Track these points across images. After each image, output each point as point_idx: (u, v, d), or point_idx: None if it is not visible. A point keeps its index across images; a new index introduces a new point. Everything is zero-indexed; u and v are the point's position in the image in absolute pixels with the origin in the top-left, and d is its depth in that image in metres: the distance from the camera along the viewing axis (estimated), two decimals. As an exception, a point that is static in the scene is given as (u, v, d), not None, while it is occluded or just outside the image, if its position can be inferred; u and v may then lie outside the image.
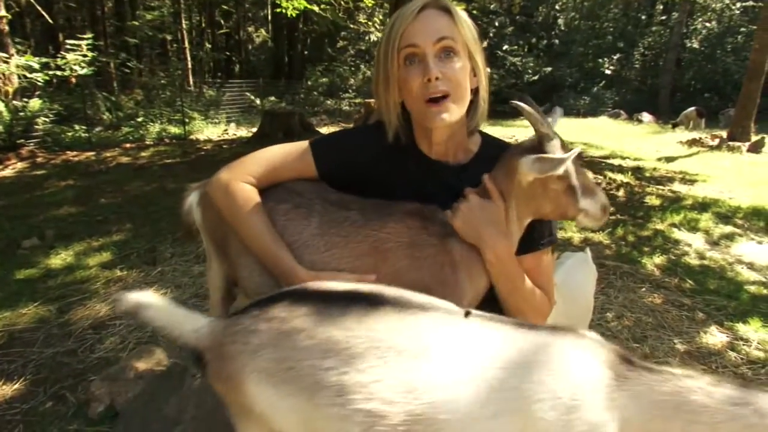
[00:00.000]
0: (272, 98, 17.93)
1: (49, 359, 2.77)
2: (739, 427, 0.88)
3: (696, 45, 26.54)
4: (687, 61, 26.25)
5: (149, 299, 1.08)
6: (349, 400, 0.92)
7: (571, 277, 2.25)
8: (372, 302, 1.00)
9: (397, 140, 1.37)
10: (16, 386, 2.52)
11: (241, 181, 1.35)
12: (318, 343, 0.95)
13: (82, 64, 11.03)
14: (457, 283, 1.27)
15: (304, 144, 1.39)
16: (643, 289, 3.95)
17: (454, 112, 1.26)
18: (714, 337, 3.27)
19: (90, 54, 11.11)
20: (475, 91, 1.37)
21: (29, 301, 3.46)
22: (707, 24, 26.97)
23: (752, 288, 4.07)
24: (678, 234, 5.43)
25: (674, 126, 16.27)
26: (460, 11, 1.30)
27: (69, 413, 2.30)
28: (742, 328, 3.35)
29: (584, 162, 9.89)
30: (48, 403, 2.39)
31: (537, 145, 1.25)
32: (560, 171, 1.20)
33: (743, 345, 3.17)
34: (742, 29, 25.19)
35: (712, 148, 12.20)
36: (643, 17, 29.83)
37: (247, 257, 1.40)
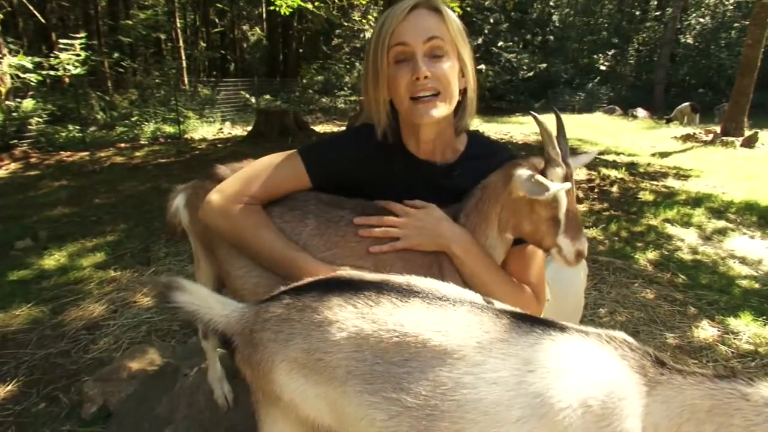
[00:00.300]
0: (267, 97, 17.89)
1: (42, 360, 2.76)
2: None
3: (690, 40, 26.65)
4: (681, 57, 26.35)
5: (182, 283, 1.10)
6: (378, 388, 0.94)
7: (561, 273, 2.26)
8: (402, 294, 1.01)
9: (384, 140, 1.37)
10: (9, 388, 2.51)
11: (237, 203, 1.33)
12: (349, 336, 0.97)
13: (76, 64, 10.98)
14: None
15: (293, 157, 1.38)
16: (636, 285, 3.98)
17: (442, 110, 1.27)
18: (705, 331, 3.30)
19: (83, 53, 11.06)
20: (463, 92, 1.38)
21: (22, 302, 3.45)
22: (701, 19, 27.07)
23: (744, 282, 4.10)
24: (671, 229, 5.46)
25: (668, 121, 16.33)
26: (450, 12, 1.31)
27: (62, 414, 2.30)
28: (733, 322, 3.38)
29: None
30: (41, 404, 2.38)
31: (540, 165, 1.26)
32: (544, 197, 1.19)
33: (734, 339, 3.19)
34: (736, 24, 25.28)
35: (705, 143, 12.27)
36: (638, 13, 29.92)
37: (241, 258, 1.41)
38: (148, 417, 1.77)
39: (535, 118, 1.25)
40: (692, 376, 0.94)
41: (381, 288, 1.02)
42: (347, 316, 0.99)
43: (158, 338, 2.98)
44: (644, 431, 0.93)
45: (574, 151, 8.83)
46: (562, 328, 1.00)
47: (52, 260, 4.30)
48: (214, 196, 1.36)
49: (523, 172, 1.23)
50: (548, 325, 1.00)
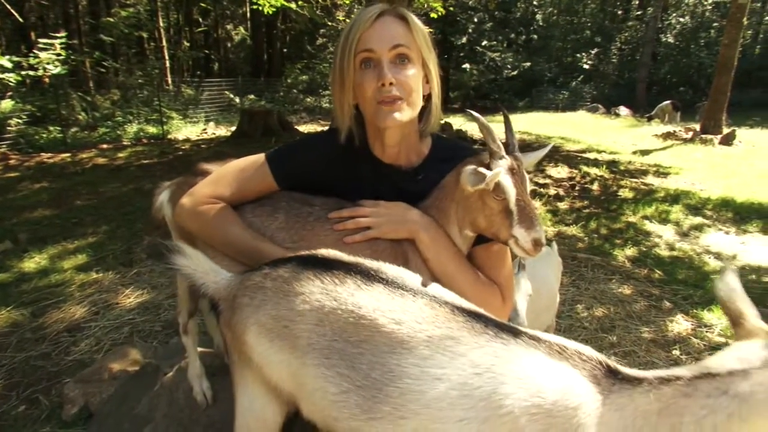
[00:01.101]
0: (252, 97, 17.80)
1: (23, 363, 2.76)
2: (723, 417, 0.87)
3: (671, 39, 27.06)
4: (662, 56, 26.74)
5: (182, 247, 1.21)
6: (334, 363, 1.00)
7: (535, 270, 2.32)
8: (368, 278, 1.06)
9: (350, 144, 1.41)
10: (-11, 391, 2.51)
11: (206, 204, 1.39)
12: (312, 309, 1.04)
13: (56, 63, 10.82)
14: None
15: (260, 161, 1.42)
16: (614, 281, 4.07)
17: (405, 113, 1.31)
18: (679, 325, 3.39)
19: (64, 53, 10.90)
20: (427, 97, 1.42)
21: (1, 306, 3.42)
22: (681, 19, 27.51)
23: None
24: (649, 226, 5.58)
25: (650, 119, 16.56)
26: (416, 20, 1.34)
27: (42, 416, 2.31)
28: (706, 316, 3.48)
29: (560, 157, 9.98)
30: (21, 407, 2.38)
31: (487, 160, 1.30)
32: (483, 186, 1.23)
33: (706, 332, 3.29)
34: (715, 24, 25.76)
35: (685, 140, 12.50)
36: (620, 12, 30.31)
37: (215, 250, 1.45)
38: (128, 417, 1.78)
39: (471, 114, 1.30)
40: (641, 383, 0.94)
41: (350, 269, 1.08)
42: (313, 290, 1.05)
43: (140, 339, 2.99)
44: None
45: (557, 150, 8.89)
46: (516, 333, 1.00)
47: (32, 263, 4.26)
48: (185, 200, 1.42)
49: (467, 168, 1.28)
50: (502, 328, 1.01)
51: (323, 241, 1.36)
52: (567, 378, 0.94)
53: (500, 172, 1.23)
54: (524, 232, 1.24)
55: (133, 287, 3.72)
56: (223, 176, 1.42)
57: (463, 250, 1.39)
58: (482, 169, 1.24)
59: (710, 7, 26.97)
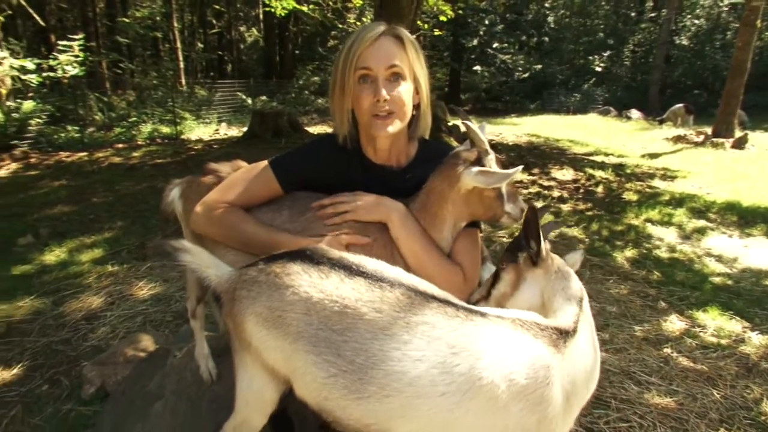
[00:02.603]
0: (263, 98, 18.02)
1: (45, 347, 2.94)
2: None
3: (685, 42, 26.78)
4: (676, 58, 26.49)
5: (187, 245, 1.35)
6: (321, 351, 1.12)
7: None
8: (350, 272, 1.20)
9: (345, 147, 1.59)
10: (15, 371, 2.69)
11: (218, 209, 1.56)
12: (300, 300, 1.17)
13: (74, 65, 11.12)
14: (394, 260, 1.49)
15: (265, 169, 1.59)
16: (611, 281, 4.14)
17: (396, 126, 1.51)
18: (673, 324, 3.46)
19: (82, 54, 11.20)
20: (417, 106, 1.61)
21: (25, 295, 3.62)
22: (696, 21, 27.22)
23: (717, 279, 4.27)
24: (651, 228, 5.63)
25: (661, 122, 16.41)
26: (410, 39, 1.53)
27: (63, 395, 2.48)
28: (701, 317, 3.54)
29: (567, 159, 9.98)
30: (44, 386, 2.56)
31: (475, 158, 1.48)
32: (502, 184, 1.44)
33: (699, 332, 3.35)
34: (732, 26, 25.43)
35: (696, 144, 12.43)
36: (633, 14, 30.09)
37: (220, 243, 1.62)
38: (141, 394, 1.94)
39: (463, 123, 1.49)
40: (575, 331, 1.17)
41: (334, 264, 1.22)
42: (301, 283, 1.18)
43: (152, 327, 3.16)
44: (563, 392, 1.11)
45: (564, 153, 8.95)
46: (483, 314, 1.16)
47: (52, 256, 4.47)
48: (198, 208, 1.59)
49: (471, 170, 1.44)
50: (471, 311, 1.16)
51: (321, 231, 1.52)
52: (531, 347, 1.11)
53: (520, 168, 1.44)
54: (513, 206, 1.50)
55: (146, 280, 3.90)
56: (231, 184, 1.59)
57: (450, 240, 1.55)
58: (491, 169, 1.44)
59: (726, 9, 26.65)
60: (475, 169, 1.43)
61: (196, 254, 1.33)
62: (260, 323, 1.19)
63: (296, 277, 1.20)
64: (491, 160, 1.47)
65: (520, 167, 1.47)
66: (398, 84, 1.49)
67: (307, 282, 1.19)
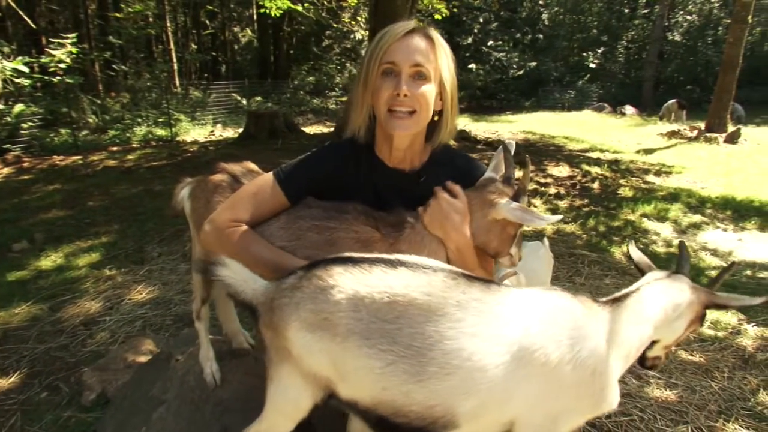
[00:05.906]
0: (259, 98, 17.96)
1: (43, 354, 2.92)
2: None
3: (678, 38, 26.94)
4: (669, 54, 26.64)
5: (224, 260, 1.34)
6: (375, 342, 1.14)
7: (527, 265, 2.44)
8: (391, 264, 1.22)
9: (356, 148, 1.57)
10: (12, 379, 2.67)
11: (226, 228, 1.53)
12: (347, 297, 1.17)
13: (68, 61, 10.95)
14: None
15: (271, 182, 1.55)
16: (609, 277, 4.17)
17: (413, 128, 1.48)
18: (670, 318, 3.48)
19: (74, 50, 11.02)
20: (439, 113, 1.56)
21: (21, 301, 3.59)
22: (688, 17, 27.38)
23: (712, 273, 4.30)
24: (648, 224, 5.67)
25: (661, 118, 16.45)
26: (441, 42, 1.49)
27: (63, 402, 2.46)
28: (697, 310, 3.57)
29: (562, 156, 10.04)
30: (43, 393, 2.54)
31: (514, 193, 1.46)
32: (536, 225, 1.47)
33: (697, 325, 3.38)
34: (723, 21, 25.61)
35: (690, 139, 12.51)
36: (626, 11, 30.19)
37: None
38: (143, 399, 1.93)
39: (506, 151, 1.52)
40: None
41: (373, 261, 1.23)
42: (345, 282, 1.19)
43: (152, 331, 3.14)
44: (606, 345, 1.23)
45: (559, 149, 8.97)
46: (515, 290, 1.27)
47: (48, 261, 4.44)
48: (207, 227, 1.57)
49: (508, 203, 1.43)
50: (507, 288, 1.26)
51: (315, 241, 1.50)
52: (571, 308, 1.24)
53: (560, 218, 1.49)
54: (516, 249, 1.52)
55: (145, 284, 3.88)
56: (238, 201, 1.56)
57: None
58: (531, 211, 1.44)
59: (717, 5, 26.81)
60: (515, 204, 1.42)
61: (233, 269, 1.33)
62: (304, 328, 1.19)
63: (339, 277, 1.20)
64: (525, 201, 1.45)
65: (560, 217, 1.50)
66: (422, 83, 1.44)
67: (351, 279, 1.19)
